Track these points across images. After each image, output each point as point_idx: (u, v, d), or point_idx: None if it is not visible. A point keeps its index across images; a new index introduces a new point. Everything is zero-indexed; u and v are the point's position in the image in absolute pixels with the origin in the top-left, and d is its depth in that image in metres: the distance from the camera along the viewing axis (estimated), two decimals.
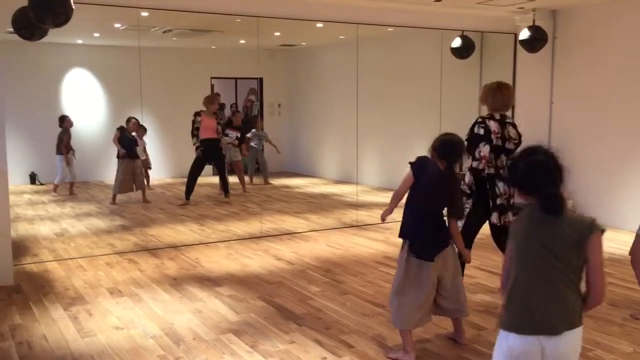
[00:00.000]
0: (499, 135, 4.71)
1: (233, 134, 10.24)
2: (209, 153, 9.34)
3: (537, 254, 2.40)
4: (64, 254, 6.59)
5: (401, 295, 3.85)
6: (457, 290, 4.00)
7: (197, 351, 4.02)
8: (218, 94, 12.10)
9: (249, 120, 11.99)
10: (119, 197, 9.39)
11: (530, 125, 8.67)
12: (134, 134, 9.32)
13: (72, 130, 9.49)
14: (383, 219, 4.04)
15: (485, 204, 4.84)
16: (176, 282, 5.56)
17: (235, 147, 10.27)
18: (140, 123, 9.12)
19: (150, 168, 9.88)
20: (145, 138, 9.47)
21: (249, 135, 10.98)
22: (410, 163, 3.88)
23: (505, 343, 2.43)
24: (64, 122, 9.42)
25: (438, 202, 3.90)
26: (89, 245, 6.97)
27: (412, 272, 3.84)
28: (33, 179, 10.17)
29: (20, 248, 6.70)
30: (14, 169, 6.89)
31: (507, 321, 2.45)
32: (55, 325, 4.53)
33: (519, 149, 2.42)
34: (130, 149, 9.20)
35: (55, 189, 9.79)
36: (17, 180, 9.40)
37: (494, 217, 4.82)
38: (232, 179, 10.25)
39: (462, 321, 4.16)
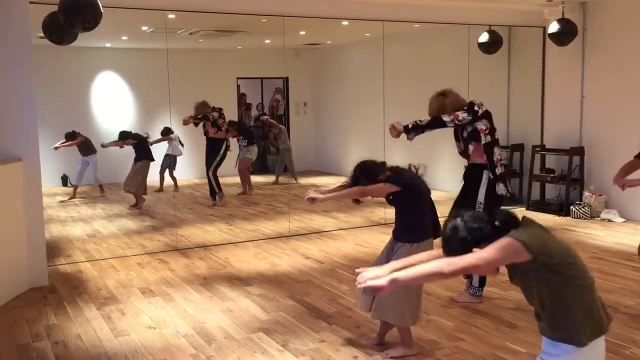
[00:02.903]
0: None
1: (242, 140, 10.07)
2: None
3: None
4: (96, 255, 6.69)
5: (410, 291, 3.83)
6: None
7: (229, 350, 4.04)
8: (244, 94, 12.18)
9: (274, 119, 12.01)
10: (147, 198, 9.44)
11: (562, 119, 8.57)
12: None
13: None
14: (312, 199, 3.81)
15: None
16: (206, 282, 5.60)
17: (245, 147, 10.09)
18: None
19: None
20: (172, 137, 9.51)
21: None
22: (387, 177, 3.80)
23: (593, 351, 2.29)
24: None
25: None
26: (121, 246, 7.07)
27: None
28: (65, 181, 10.32)
29: (53, 249, 6.82)
30: (46, 172, 6.97)
31: (593, 329, 2.28)
32: (90, 324, 4.60)
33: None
34: (137, 149, 9.08)
35: (74, 193, 9.84)
36: (49, 182, 9.55)
37: (501, 188, 4.72)
38: (254, 178, 10.33)
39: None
